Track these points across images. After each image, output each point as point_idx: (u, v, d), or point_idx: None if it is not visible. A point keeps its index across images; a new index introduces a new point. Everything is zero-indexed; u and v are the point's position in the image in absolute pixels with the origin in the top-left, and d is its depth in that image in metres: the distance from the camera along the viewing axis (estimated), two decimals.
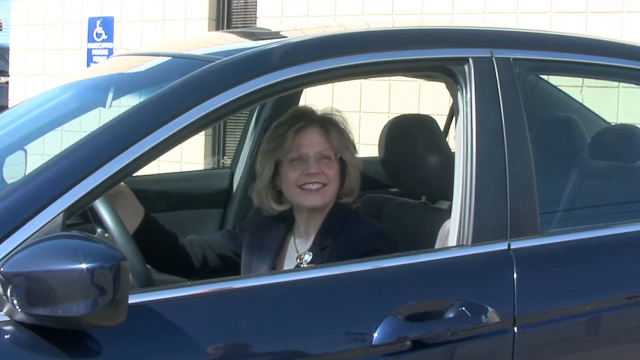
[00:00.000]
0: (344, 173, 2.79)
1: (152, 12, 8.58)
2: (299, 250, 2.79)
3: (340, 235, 2.71)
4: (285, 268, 2.79)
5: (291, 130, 2.76)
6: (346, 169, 2.79)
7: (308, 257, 2.74)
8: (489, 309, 2.39)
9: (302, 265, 2.73)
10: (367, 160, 3.32)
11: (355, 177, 2.80)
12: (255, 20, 7.96)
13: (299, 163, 2.74)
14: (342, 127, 2.84)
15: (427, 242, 2.70)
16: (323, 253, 2.70)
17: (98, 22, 8.99)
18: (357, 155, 2.84)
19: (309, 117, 2.82)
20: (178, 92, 2.28)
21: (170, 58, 2.74)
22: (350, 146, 2.82)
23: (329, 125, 2.80)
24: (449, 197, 2.61)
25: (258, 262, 2.82)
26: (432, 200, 3.05)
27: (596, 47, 2.94)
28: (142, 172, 2.31)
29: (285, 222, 2.84)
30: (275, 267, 2.79)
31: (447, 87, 2.64)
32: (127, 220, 2.65)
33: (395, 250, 2.58)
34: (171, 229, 2.93)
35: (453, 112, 2.88)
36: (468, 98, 2.55)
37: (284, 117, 2.88)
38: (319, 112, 2.87)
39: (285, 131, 2.77)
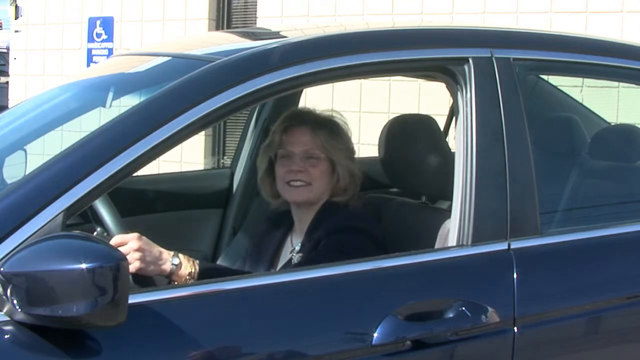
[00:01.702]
0: (335, 173, 2.83)
1: (152, 12, 8.58)
2: (293, 244, 2.89)
3: (325, 228, 2.77)
4: (281, 261, 2.88)
5: (281, 128, 2.88)
6: (335, 170, 2.83)
7: (297, 248, 2.84)
8: (489, 309, 2.39)
9: (293, 258, 2.82)
10: (367, 161, 3.33)
11: (345, 178, 2.84)
12: (255, 20, 7.96)
13: (287, 160, 2.84)
14: (337, 129, 2.89)
15: (427, 242, 2.70)
16: (310, 244, 2.78)
17: (98, 22, 9.00)
18: (350, 158, 2.87)
19: (300, 117, 2.90)
20: (178, 92, 2.28)
21: (170, 58, 2.74)
22: (343, 148, 2.86)
23: (320, 126, 2.86)
24: (449, 197, 2.61)
25: (262, 257, 2.93)
26: (432, 200, 3.05)
27: (596, 47, 2.94)
28: (142, 172, 2.31)
29: (287, 220, 2.94)
30: (273, 261, 2.90)
31: (447, 87, 2.64)
32: None
33: (371, 231, 2.67)
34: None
35: (453, 112, 2.88)
36: (468, 98, 2.54)
37: (281, 116, 2.97)
38: (316, 112, 2.94)
39: (277, 129, 2.90)
